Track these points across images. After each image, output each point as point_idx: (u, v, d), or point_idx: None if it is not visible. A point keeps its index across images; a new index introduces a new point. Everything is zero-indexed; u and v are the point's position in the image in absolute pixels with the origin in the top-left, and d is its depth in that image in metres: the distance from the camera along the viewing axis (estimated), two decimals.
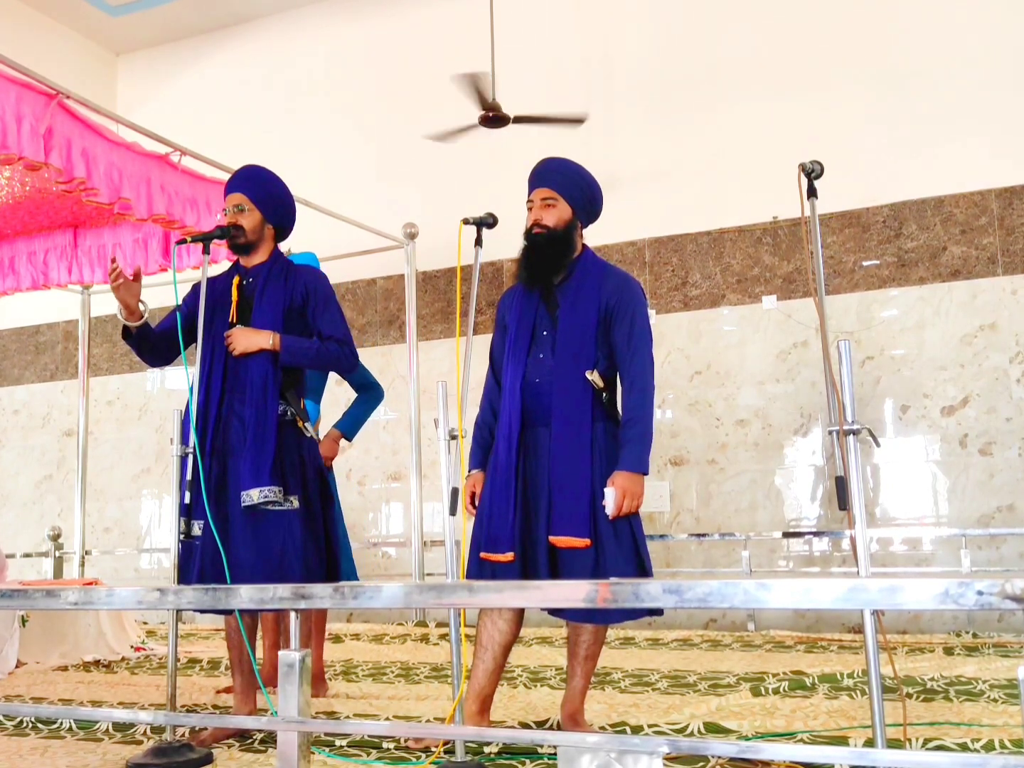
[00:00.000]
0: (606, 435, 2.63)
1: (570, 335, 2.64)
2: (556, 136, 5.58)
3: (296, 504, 2.82)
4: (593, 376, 2.61)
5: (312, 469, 2.93)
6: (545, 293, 2.71)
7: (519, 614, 2.68)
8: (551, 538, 2.53)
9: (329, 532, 2.97)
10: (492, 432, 2.75)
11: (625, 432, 2.60)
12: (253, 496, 2.74)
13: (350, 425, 3.76)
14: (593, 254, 2.78)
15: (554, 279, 2.70)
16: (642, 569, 2.59)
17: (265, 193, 2.99)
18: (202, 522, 2.76)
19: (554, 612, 2.55)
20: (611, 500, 2.50)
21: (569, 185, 2.73)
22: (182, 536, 2.75)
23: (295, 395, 2.94)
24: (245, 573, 2.71)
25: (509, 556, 2.52)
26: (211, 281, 3.00)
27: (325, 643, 4.92)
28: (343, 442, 3.77)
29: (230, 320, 2.92)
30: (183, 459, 2.76)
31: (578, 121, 5.62)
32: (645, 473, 2.57)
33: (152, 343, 3.03)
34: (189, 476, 2.74)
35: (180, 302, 3.06)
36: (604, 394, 2.64)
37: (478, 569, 2.59)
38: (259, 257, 3.00)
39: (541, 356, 2.66)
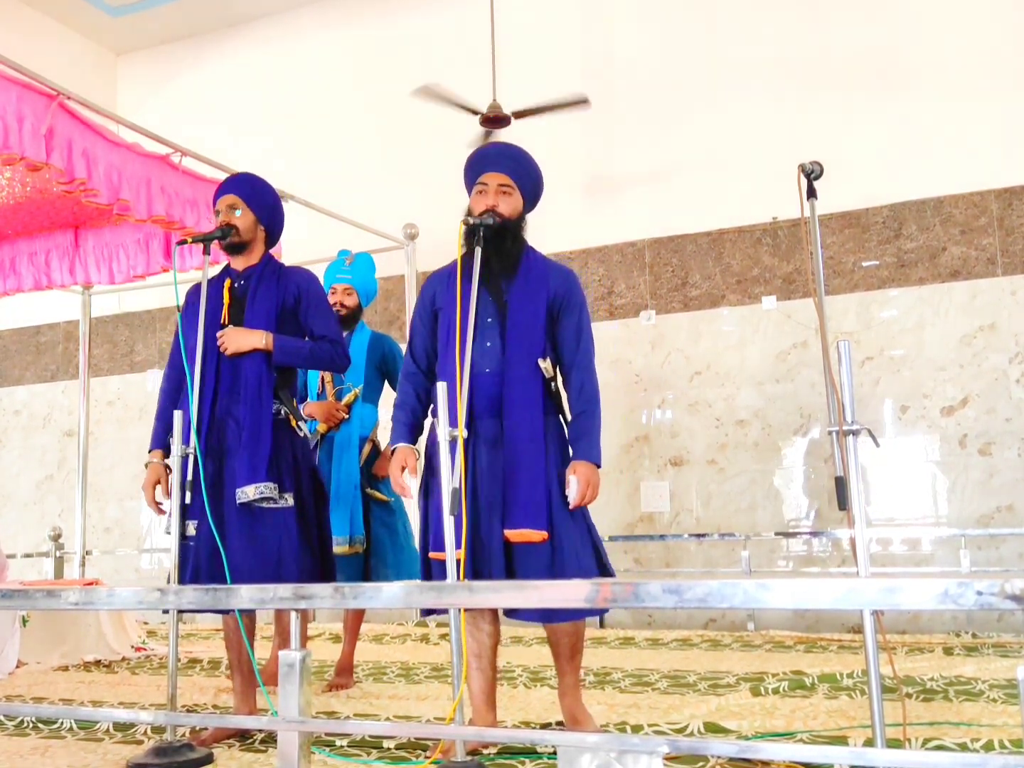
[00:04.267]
0: (554, 428, 2.62)
1: (522, 325, 2.59)
2: (556, 137, 5.59)
3: (291, 502, 2.85)
4: (545, 364, 2.59)
5: (305, 468, 2.96)
6: (488, 280, 2.63)
7: (497, 613, 2.66)
8: (506, 532, 2.48)
9: (323, 532, 3.00)
10: (416, 414, 2.67)
11: (580, 424, 2.58)
12: (248, 493, 2.76)
13: None
14: (531, 247, 2.74)
15: (504, 272, 2.64)
16: (601, 562, 2.56)
17: (256, 194, 3.03)
18: (196, 522, 2.77)
19: (508, 613, 2.49)
20: (575, 488, 2.48)
21: (523, 174, 2.68)
22: (182, 538, 2.77)
23: (288, 395, 2.96)
24: (242, 572, 2.72)
25: (457, 553, 2.45)
26: (200, 286, 3.01)
27: (326, 643, 4.93)
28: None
29: (222, 322, 2.93)
30: (183, 460, 2.77)
31: (582, 103, 5.53)
32: (599, 465, 2.55)
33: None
34: (190, 476, 2.74)
35: (180, 311, 3.04)
36: (552, 383, 2.62)
37: (428, 570, 2.57)
38: (251, 259, 3.02)
39: (488, 344, 2.59)
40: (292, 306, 2.98)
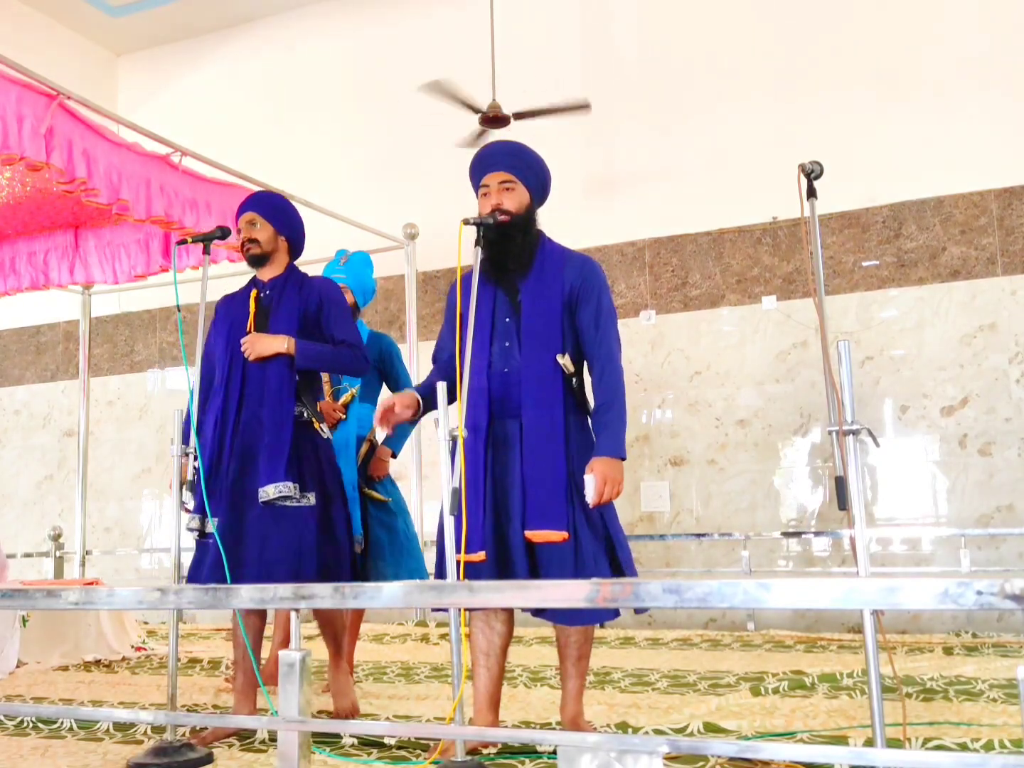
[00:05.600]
0: (577, 426, 2.58)
1: (536, 321, 2.57)
2: (556, 136, 5.58)
3: (313, 501, 2.93)
4: (564, 360, 2.55)
5: (329, 468, 3.05)
6: (503, 280, 2.63)
7: (512, 614, 2.64)
8: (527, 533, 2.46)
9: (349, 528, 3.09)
10: (432, 388, 2.61)
11: (601, 417, 2.53)
12: (269, 492, 2.85)
13: (396, 441, 3.85)
14: (548, 237, 2.72)
15: (518, 270, 2.63)
16: (616, 564, 2.53)
17: (274, 208, 3.16)
18: (218, 520, 2.85)
19: (536, 613, 2.47)
20: (591, 487, 2.42)
21: (524, 168, 2.66)
22: (197, 535, 2.87)
23: (311, 398, 3.06)
24: (263, 569, 2.79)
25: (480, 556, 2.45)
26: (230, 297, 3.17)
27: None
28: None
29: (248, 330, 3.03)
30: (189, 458, 2.80)
31: (583, 107, 5.55)
32: (623, 458, 2.50)
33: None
34: (190, 476, 2.79)
35: (179, 311, 3.14)
36: (574, 379, 2.58)
37: (443, 569, 2.52)
38: (274, 271, 3.13)
39: (507, 344, 2.59)
40: (314, 314, 3.09)
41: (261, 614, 2.98)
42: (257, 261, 3.10)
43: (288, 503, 2.87)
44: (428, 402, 2.66)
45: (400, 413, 2.61)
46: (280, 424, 2.90)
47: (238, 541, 2.83)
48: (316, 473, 2.97)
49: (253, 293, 3.10)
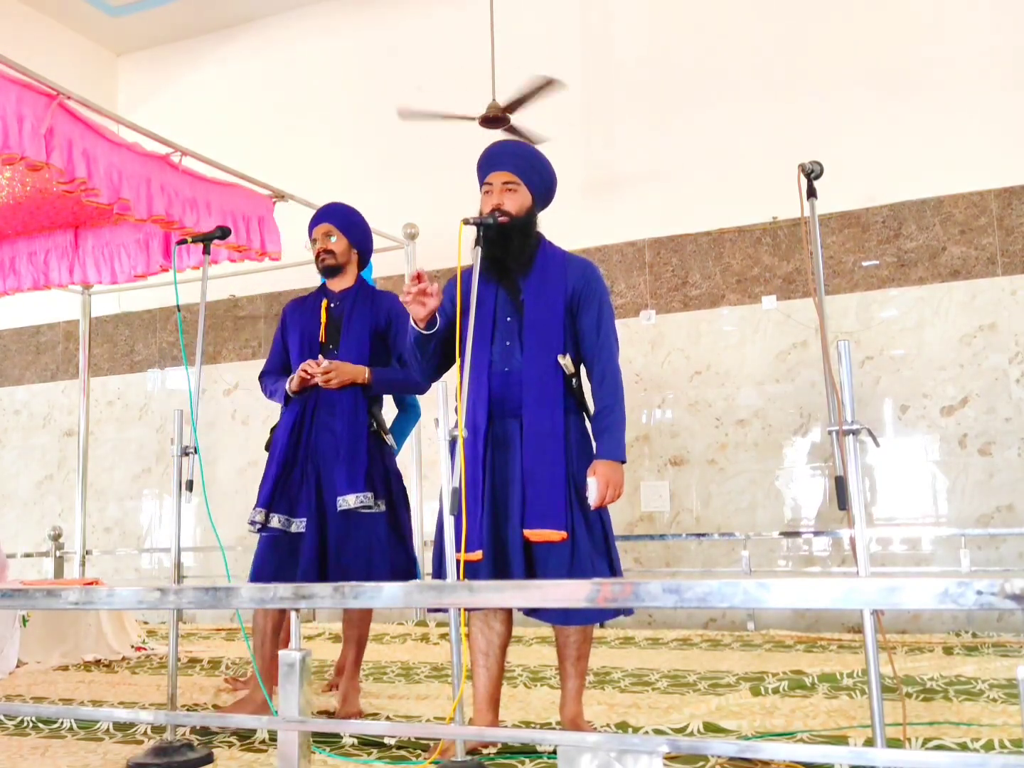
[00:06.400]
0: (577, 427, 2.60)
1: (539, 322, 2.58)
2: (556, 136, 5.58)
3: (383, 508, 3.11)
4: (565, 360, 2.56)
5: (393, 475, 3.23)
6: (505, 279, 2.64)
7: (511, 613, 2.65)
8: (526, 532, 2.47)
9: (409, 531, 3.26)
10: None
11: (602, 420, 2.55)
12: (349, 501, 3.03)
13: (396, 441, 3.86)
14: (549, 241, 2.73)
15: (519, 270, 2.64)
16: (611, 565, 2.55)
17: (350, 222, 3.30)
18: (303, 520, 3.04)
19: (529, 613, 2.49)
20: (594, 490, 2.45)
21: (529, 170, 2.66)
22: (257, 528, 3.05)
23: (378, 409, 3.24)
24: (340, 572, 2.97)
25: (478, 555, 2.46)
26: (299, 303, 3.34)
27: (326, 643, 4.93)
28: None
29: (320, 340, 3.20)
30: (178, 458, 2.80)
31: (551, 84, 5.50)
32: (624, 461, 2.53)
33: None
34: (190, 476, 2.80)
35: (180, 310, 3.20)
36: (573, 380, 2.60)
37: (441, 568, 2.55)
38: (346, 282, 3.29)
39: (508, 344, 2.60)
40: (383, 329, 3.23)
41: (279, 615, 3.08)
42: (331, 272, 3.25)
43: (363, 510, 3.04)
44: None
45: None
46: (356, 437, 3.09)
47: (316, 544, 3.00)
48: (385, 481, 3.14)
49: (324, 303, 3.22)
